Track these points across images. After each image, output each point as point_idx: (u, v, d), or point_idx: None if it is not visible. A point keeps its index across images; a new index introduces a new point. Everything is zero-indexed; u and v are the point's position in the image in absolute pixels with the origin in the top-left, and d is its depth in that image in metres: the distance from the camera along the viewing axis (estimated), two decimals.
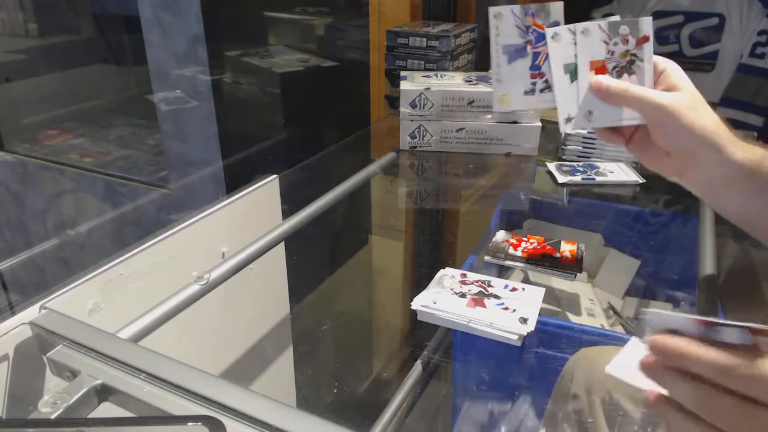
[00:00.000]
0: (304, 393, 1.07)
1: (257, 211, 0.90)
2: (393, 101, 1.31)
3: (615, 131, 0.61)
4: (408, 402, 0.73)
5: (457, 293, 0.71)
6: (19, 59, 1.93)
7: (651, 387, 0.39)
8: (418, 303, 0.69)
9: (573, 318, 0.93)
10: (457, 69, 1.29)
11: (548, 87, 0.64)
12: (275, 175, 0.94)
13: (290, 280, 1.02)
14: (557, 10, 0.63)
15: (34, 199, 1.77)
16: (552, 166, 1.08)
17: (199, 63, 1.30)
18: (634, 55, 0.59)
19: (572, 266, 0.80)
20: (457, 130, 1.10)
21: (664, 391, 0.38)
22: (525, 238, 0.87)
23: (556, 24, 0.62)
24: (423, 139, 1.12)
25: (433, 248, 1.17)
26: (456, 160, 1.13)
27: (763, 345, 0.34)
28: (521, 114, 1.08)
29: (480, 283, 0.73)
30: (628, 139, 0.61)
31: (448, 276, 0.75)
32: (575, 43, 0.60)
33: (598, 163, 1.09)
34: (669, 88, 0.57)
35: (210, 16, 1.26)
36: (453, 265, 0.79)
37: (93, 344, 0.51)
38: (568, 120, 0.62)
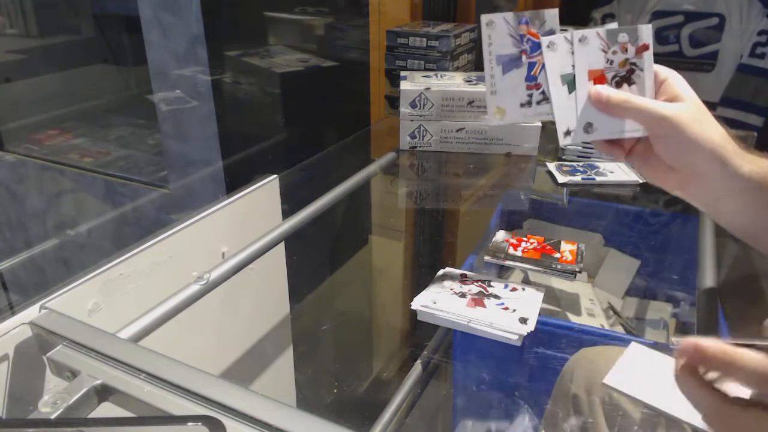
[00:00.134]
0: (304, 393, 1.07)
1: (257, 211, 0.90)
2: (393, 101, 1.31)
3: (615, 144, 0.59)
4: (408, 402, 0.73)
5: (457, 293, 0.71)
6: (19, 59, 1.93)
7: (648, 399, 0.39)
8: (418, 303, 0.69)
9: (573, 318, 0.93)
10: (457, 69, 1.29)
11: (545, 98, 0.61)
12: (275, 175, 0.94)
13: (290, 280, 1.02)
14: (552, 17, 0.60)
15: (34, 199, 1.77)
16: (552, 166, 1.08)
17: (199, 63, 1.30)
18: (634, 64, 0.57)
19: (572, 266, 0.80)
20: (457, 130, 1.10)
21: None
22: (525, 238, 0.87)
23: (551, 32, 0.60)
24: (423, 139, 1.12)
25: (433, 248, 1.17)
26: (456, 160, 1.13)
27: None
28: None
29: (480, 283, 0.73)
30: (628, 151, 0.59)
31: (448, 276, 0.75)
32: (572, 53, 0.58)
33: (598, 163, 1.09)
34: (671, 99, 0.55)
35: (210, 16, 1.26)
36: (453, 265, 0.79)
37: (93, 344, 0.51)
38: (567, 133, 0.59)
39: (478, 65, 1.37)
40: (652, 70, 0.57)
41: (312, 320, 1.13)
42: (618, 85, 0.58)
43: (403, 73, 1.17)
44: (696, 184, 0.55)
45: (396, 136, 1.13)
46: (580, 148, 1.11)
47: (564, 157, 1.12)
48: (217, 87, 1.33)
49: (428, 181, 1.16)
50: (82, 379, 0.47)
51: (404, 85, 1.09)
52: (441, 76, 1.16)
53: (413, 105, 1.09)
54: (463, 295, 0.70)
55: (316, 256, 1.26)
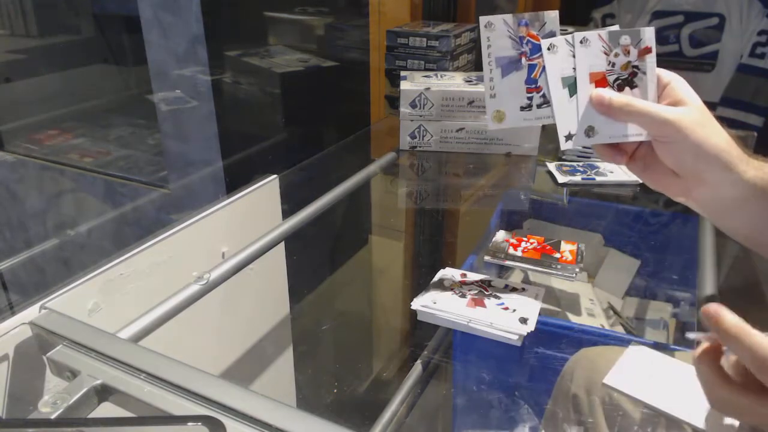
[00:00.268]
0: (304, 393, 1.07)
1: (257, 211, 0.90)
2: (393, 101, 1.31)
3: (616, 149, 0.58)
4: (408, 402, 0.73)
5: (457, 293, 0.71)
6: (19, 59, 1.93)
7: (648, 399, 0.39)
8: (418, 303, 0.69)
9: (573, 318, 0.93)
10: (457, 69, 1.29)
11: (546, 102, 0.60)
12: (275, 175, 0.94)
13: (290, 280, 1.02)
14: (552, 19, 0.59)
15: (34, 199, 1.77)
16: (552, 166, 1.08)
17: (199, 63, 1.30)
18: (636, 67, 0.56)
19: (572, 266, 0.80)
20: (457, 130, 1.10)
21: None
22: (525, 238, 0.87)
23: (552, 34, 0.59)
24: (423, 139, 1.12)
25: (433, 248, 1.17)
26: (456, 160, 1.13)
27: None
28: None
29: (480, 283, 0.73)
30: (629, 157, 0.58)
31: (448, 276, 0.75)
32: (573, 55, 0.57)
33: (598, 163, 1.09)
34: (674, 103, 0.54)
35: (210, 16, 1.26)
36: (453, 265, 0.78)
37: (93, 344, 0.51)
38: (569, 137, 0.58)
39: (478, 65, 1.37)
40: (655, 73, 0.56)
41: (312, 320, 1.13)
42: (620, 88, 0.57)
43: (403, 73, 1.17)
44: (699, 189, 0.54)
45: (396, 136, 1.13)
46: (580, 148, 1.11)
47: (564, 157, 1.12)
48: (217, 87, 1.33)
49: (428, 181, 1.16)
50: (82, 379, 0.47)
51: (404, 85, 1.09)
52: (441, 76, 1.16)
53: (413, 105, 1.09)
54: (463, 295, 0.70)
55: (316, 256, 1.26)
